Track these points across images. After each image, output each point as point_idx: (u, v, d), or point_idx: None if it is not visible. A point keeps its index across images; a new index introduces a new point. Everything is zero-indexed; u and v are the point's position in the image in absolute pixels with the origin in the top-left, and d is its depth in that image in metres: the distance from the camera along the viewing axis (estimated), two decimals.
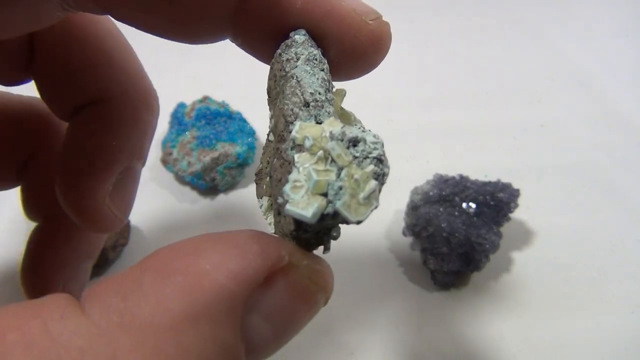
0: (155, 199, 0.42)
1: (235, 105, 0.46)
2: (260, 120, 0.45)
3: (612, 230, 0.39)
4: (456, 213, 0.35)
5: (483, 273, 0.36)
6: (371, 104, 0.46)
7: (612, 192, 0.42)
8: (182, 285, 0.13)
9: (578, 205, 0.41)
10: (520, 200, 0.37)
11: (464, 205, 0.35)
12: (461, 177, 0.37)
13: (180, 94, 0.48)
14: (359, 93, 0.48)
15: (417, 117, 0.49)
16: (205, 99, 0.46)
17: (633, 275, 0.37)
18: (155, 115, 0.26)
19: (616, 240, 0.39)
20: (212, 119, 0.43)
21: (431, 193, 0.36)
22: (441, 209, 0.35)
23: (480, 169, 0.43)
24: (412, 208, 0.36)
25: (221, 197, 0.42)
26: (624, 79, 0.53)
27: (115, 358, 0.12)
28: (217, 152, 0.41)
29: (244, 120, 0.44)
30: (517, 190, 0.37)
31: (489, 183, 0.37)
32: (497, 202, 0.35)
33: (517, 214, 0.39)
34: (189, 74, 0.54)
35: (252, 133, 0.44)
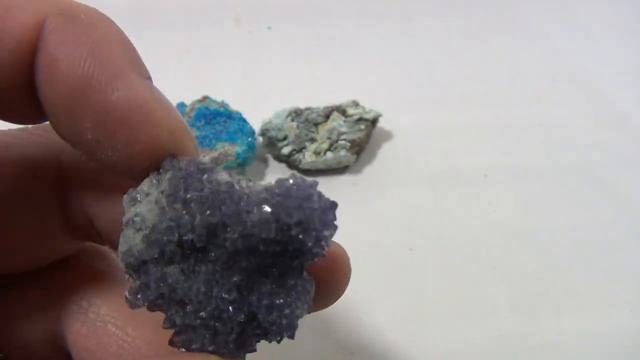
0: None
1: (235, 105, 0.46)
2: (259, 120, 0.45)
3: (612, 230, 0.39)
4: (204, 270, 0.17)
5: (483, 271, 0.36)
6: (370, 104, 0.46)
7: (612, 191, 0.42)
8: None
9: (578, 204, 0.41)
10: (518, 200, 0.36)
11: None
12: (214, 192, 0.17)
13: (179, 93, 0.47)
14: (358, 93, 0.48)
15: (416, 116, 0.49)
16: (205, 98, 0.46)
17: (633, 275, 0.37)
18: None
19: (616, 240, 0.39)
20: (211, 118, 0.43)
21: (163, 238, 0.17)
22: (182, 272, 0.17)
23: (480, 169, 0.43)
24: (133, 263, 0.17)
25: None
26: (624, 79, 0.53)
27: None
28: (217, 152, 0.41)
29: (243, 120, 0.44)
30: (332, 223, 0.17)
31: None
32: (289, 245, 0.17)
33: (518, 213, 0.39)
34: (189, 73, 0.54)
35: (252, 133, 0.44)
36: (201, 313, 0.17)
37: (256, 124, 0.45)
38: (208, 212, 0.16)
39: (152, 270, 0.17)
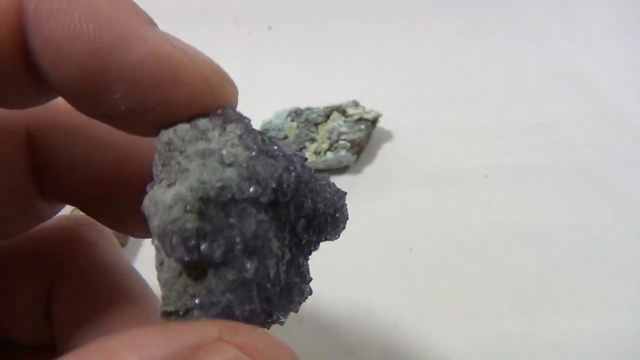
0: None
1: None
2: (259, 120, 0.45)
3: (612, 230, 0.39)
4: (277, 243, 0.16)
5: (483, 271, 0.36)
6: (370, 104, 0.46)
7: (611, 191, 0.42)
8: None
9: (578, 204, 0.41)
10: (518, 200, 0.36)
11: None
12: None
13: None
14: (358, 93, 0.48)
15: (416, 116, 0.49)
16: None
17: (633, 275, 0.37)
18: None
19: (616, 240, 0.39)
20: None
21: (267, 179, 0.15)
22: (272, 226, 0.16)
23: (480, 169, 0.43)
24: (206, 201, 0.15)
25: None
26: (624, 79, 0.53)
27: None
28: None
29: None
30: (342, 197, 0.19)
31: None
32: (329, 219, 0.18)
33: (518, 213, 0.39)
34: None
35: None
36: (270, 269, 0.15)
37: (256, 124, 0.45)
38: (295, 172, 0.16)
39: (249, 210, 0.15)
